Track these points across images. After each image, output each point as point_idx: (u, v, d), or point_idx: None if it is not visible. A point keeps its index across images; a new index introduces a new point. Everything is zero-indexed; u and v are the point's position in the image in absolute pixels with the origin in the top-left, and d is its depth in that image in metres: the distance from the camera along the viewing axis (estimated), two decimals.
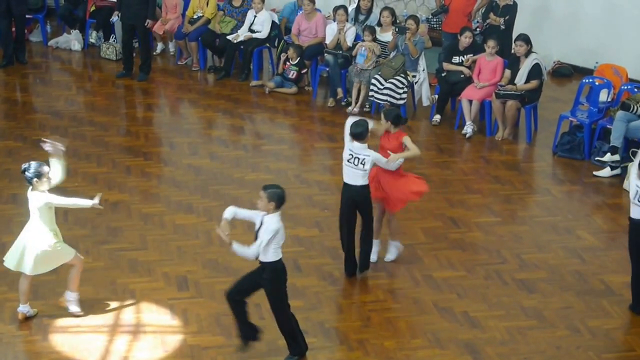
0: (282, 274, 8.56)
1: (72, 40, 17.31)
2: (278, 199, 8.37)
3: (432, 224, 11.54)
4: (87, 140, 13.36)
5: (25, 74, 16.25)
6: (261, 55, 16.34)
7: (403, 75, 14.46)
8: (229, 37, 16.08)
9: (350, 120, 9.99)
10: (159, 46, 17.40)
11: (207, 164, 13.00)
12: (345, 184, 10.09)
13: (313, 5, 15.74)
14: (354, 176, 9.93)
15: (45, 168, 9.12)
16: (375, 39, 14.86)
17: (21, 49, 16.64)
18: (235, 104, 15.08)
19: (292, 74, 15.55)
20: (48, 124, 14.02)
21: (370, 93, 14.59)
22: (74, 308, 9.47)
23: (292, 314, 8.76)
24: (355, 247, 10.27)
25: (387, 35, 14.96)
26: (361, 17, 15.70)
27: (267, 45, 16.33)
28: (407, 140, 10.15)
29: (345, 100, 15.17)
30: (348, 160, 9.90)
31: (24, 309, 9.40)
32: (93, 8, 17.32)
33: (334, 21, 15.49)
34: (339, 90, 15.25)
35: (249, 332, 8.77)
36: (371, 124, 10.00)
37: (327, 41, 15.50)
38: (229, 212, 8.51)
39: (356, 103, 14.85)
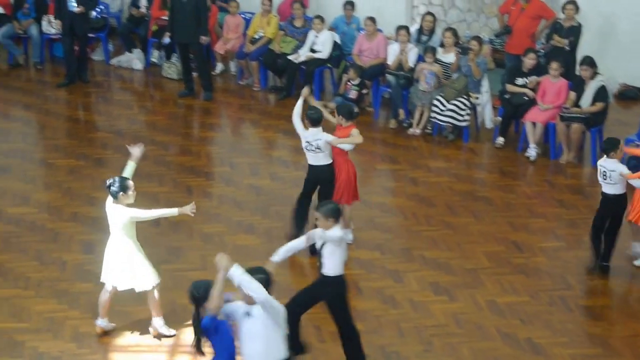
0: (344, 288, 8.64)
1: (134, 59, 17.39)
2: (334, 213, 8.40)
3: (495, 248, 11.37)
4: (149, 159, 13.34)
5: (88, 92, 16.35)
6: (322, 75, 16.29)
7: (465, 97, 14.32)
8: (290, 57, 16.06)
9: (297, 111, 11.01)
10: (220, 66, 17.42)
11: (267, 185, 12.95)
12: (310, 165, 11.02)
13: (374, 25, 15.65)
14: (316, 158, 10.88)
15: (130, 182, 9.12)
16: (437, 60, 14.75)
17: (83, 68, 16.75)
18: None
19: (353, 95, 15.46)
20: (110, 143, 14.06)
21: (432, 114, 14.47)
22: (168, 331, 9.46)
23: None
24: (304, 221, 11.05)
25: (449, 57, 14.83)
26: (423, 38, 15.59)
27: (328, 65, 16.28)
28: (354, 131, 10.90)
29: (406, 121, 15.04)
30: (306, 148, 10.84)
31: (102, 322, 9.40)
32: (155, 27, 17.39)
33: (396, 41, 15.39)
34: (401, 111, 15.13)
35: (297, 347, 8.67)
36: (325, 113, 11.13)
37: (389, 62, 15.40)
38: (279, 256, 8.52)
39: (418, 124, 14.73)
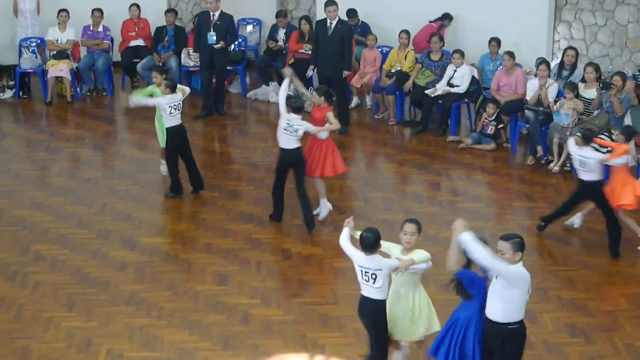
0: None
1: (271, 92, 17.50)
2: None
3: (635, 290, 10.94)
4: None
5: (224, 124, 16.50)
6: (459, 110, 16.09)
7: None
8: (427, 92, 15.92)
9: (282, 91, 12.34)
10: (356, 100, 17.39)
11: (401, 220, 12.69)
12: (282, 149, 12.15)
13: (513, 60, 15.40)
14: (289, 141, 12.04)
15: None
16: (577, 96, 14.40)
17: (220, 100, 16.93)
18: (432, 160, 14.84)
19: (491, 130, 15.22)
20: (244, 175, 14.13)
21: None
22: None
23: None
24: (284, 200, 12.47)
25: (590, 92, 14.45)
26: (564, 73, 15.25)
27: (466, 100, 16.08)
28: (329, 115, 12.30)
29: (545, 158, 14.71)
30: (285, 129, 11.99)
31: None
32: (292, 60, 17.47)
33: (535, 76, 15.10)
34: (539, 147, 14.80)
35: None
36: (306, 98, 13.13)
37: (528, 97, 15.11)
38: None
39: (557, 161, 14.38)
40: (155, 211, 13.06)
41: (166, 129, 13.03)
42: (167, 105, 12.84)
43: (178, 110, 12.98)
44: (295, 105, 12.12)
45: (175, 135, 13.04)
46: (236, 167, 14.61)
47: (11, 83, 17.80)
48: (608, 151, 12.28)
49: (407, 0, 17.65)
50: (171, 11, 18.25)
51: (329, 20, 15.82)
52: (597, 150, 12.00)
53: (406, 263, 8.49)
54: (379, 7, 17.93)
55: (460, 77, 15.86)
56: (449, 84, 15.89)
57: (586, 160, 11.66)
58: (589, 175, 11.69)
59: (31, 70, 17.89)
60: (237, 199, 13.24)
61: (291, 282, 11.07)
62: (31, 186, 13.75)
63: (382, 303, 8.62)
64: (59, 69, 17.43)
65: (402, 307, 8.71)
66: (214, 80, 16.80)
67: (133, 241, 12.06)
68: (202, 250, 11.87)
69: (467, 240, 7.87)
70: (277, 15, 18.28)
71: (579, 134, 12.14)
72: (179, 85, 13.28)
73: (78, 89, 17.85)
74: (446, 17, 17.24)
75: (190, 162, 13.38)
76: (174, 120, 12.98)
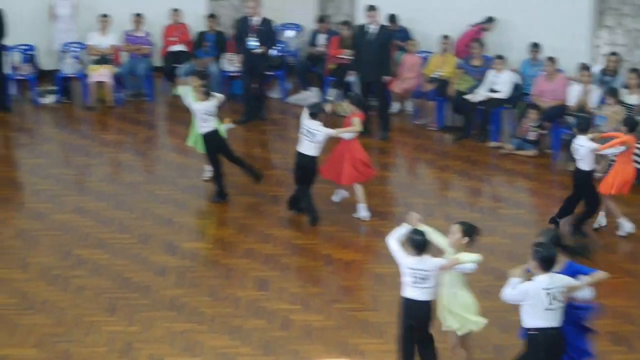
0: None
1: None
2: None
3: None
4: (322, 197, 13.29)
5: (264, 130, 16.50)
6: (500, 115, 15.99)
7: None
8: (467, 97, 15.84)
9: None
10: (396, 105, 17.33)
11: (442, 226, 12.62)
12: (298, 152, 12.45)
13: (554, 65, 15.29)
14: (307, 147, 12.30)
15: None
16: (620, 102, 14.26)
17: (261, 106, 16.93)
18: (473, 165, 14.77)
19: (532, 136, 15.12)
20: (285, 181, 14.09)
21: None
22: None
23: None
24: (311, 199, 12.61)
25: (633, 98, 14.33)
26: (607, 79, 15.12)
27: (507, 105, 15.97)
28: (355, 120, 12.56)
29: None
30: (304, 134, 12.27)
31: None
32: (332, 66, 17.45)
33: (577, 82, 14.98)
34: None
35: None
36: (327, 108, 13.05)
37: (570, 103, 14.98)
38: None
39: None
40: (196, 216, 13.08)
41: (202, 135, 13.07)
42: (201, 112, 12.88)
43: (212, 116, 13.01)
44: (311, 111, 12.38)
45: (211, 140, 13.08)
46: (277, 173, 14.59)
47: (52, 88, 17.89)
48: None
49: (448, 5, 17.55)
50: (212, 16, 18.28)
51: (369, 25, 15.78)
52: (592, 140, 12.07)
53: (452, 262, 8.50)
54: (420, 12, 17.84)
55: (501, 83, 15.77)
56: (490, 90, 15.80)
57: (579, 148, 11.88)
58: (580, 163, 11.95)
59: (72, 75, 17.98)
60: (277, 205, 13.22)
61: (332, 287, 11.05)
62: (72, 191, 13.81)
63: (431, 304, 8.64)
64: (100, 73, 17.50)
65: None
66: (254, 85, 16.80)
67: (174, 246, 12.08)
68: (242, 255, 11.87)
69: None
70: (318, 20, 18.27)
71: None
72: (213, 93, 13.29)
73: (119, 94, 17.92)
74: (488, 21, 17.11)
75: (236, 161, 13.46)
76: (208, 126, 13.00)
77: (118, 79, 17.92)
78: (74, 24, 18.35)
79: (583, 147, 11.81)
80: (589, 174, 12.02)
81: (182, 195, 13.64)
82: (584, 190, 12.12)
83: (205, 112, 12.92)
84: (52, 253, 11.96)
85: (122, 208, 13.24)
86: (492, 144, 15.57)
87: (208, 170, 13.70)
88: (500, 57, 15.87)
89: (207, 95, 13.00)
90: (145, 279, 11.21)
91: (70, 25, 18.31)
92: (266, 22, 16.56)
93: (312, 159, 12.41)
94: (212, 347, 9.78)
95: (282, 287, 10.96)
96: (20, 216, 13.16)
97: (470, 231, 8.77)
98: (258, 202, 13.39)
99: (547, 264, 8.08)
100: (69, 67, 17.92)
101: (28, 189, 13.99)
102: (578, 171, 12.05)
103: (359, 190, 12.83)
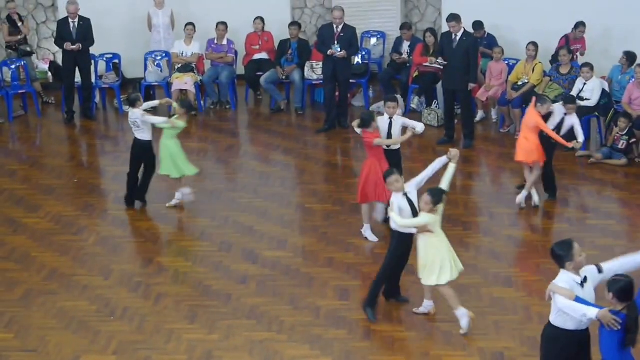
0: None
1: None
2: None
3: None
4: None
5: (346, 138, 16.36)
6: (589, 124, 15.64)
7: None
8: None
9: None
10: (481, 113, 17.08)
11: (527, 237, 12.48)
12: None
13: None
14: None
15: None
16: None
17: (343, 114, 16.81)
18: (560, 175, 14.40)
19: (622, 145, 14.76)
20: None
21: None
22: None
23: None
24: None
25: None
26: None
27: (596, 113, 15.62)
28: (377, 140, 12.31)
29: None
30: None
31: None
32: (416, 73, 17.27)
33: None
34: None
35: None
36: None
37: None
38: None
39: None
40: (277, 224, 12.98)
41: (134, 138, 13.42)
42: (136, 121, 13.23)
43: (147, 126, 13.28)
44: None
45: (142, 147, 13.40)
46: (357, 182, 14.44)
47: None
48: None
49: (534, 12, 17.29)
50: (295, 24, 18.22)
51: (453, 33, 15.58)
52: None
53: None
54: (506, 20, 17.60)
55: (590, 91, 15.43)
56: (579, 98, 15.46)
57: None
58: None
59: (156, 84, 18.06)
60: (359, 213, 13.04)
61: (414, 298, 10.84)
62: (154, 198, 13.79)
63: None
64: (184, 82, 17.55)
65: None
66: (337, 93, 16.69)
67: (255, 254, 12.01)
68: (323, 264, 11.74)
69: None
70: (402, 28, 18.08)
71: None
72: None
73: (202, 102, 17.95)
74: (578, 26, 16.74)
75: (147, 178, 13.54)
76: (144, 136, 13.29)
77: (201, 87, 17.95)
78: (171, 34, 18.43)
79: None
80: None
81: (263, 204, 13.57)
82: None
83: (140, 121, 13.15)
84: (133, 260, 12.01)
85: (204, 216, 13.22)
86: (580, 152, 15.22)
87: (177, 198, 13.58)
88: (587, 65, 15.52)
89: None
90: (226, 287, 11.16)
91: (167, 35, 18.41)
92: (349, 29, 16.44)
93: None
94: (292, 357, 9.69)
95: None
96: (103, 223, 13.20)
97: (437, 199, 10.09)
98: (339, 211, 13.26)
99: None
100: (152, 76, 18.01)
101: (111, 197, 14.02)
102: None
103: (365, 211, 12.49)
